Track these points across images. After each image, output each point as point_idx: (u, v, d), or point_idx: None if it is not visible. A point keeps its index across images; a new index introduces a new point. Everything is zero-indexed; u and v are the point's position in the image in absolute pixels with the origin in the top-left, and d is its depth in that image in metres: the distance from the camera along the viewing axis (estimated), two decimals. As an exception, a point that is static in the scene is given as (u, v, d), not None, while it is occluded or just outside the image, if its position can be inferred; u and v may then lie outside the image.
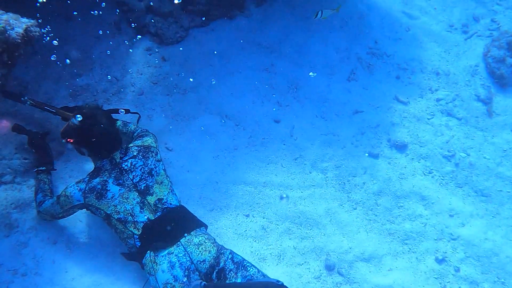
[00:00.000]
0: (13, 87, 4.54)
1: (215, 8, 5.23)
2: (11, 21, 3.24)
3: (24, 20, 3.35)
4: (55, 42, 4.22)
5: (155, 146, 3.85)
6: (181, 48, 5.16)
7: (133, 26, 5.15)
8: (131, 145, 3.78)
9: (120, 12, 5.25)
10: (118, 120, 4.10)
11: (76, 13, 5.20)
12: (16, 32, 3.20)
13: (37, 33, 3.39)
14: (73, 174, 4.22)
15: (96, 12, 4.89)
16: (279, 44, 5.43)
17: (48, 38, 5.00)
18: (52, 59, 4.70)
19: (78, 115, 3.47)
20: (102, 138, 3.55)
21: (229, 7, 5.32)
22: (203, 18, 5.25)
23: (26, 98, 3.95)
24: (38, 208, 3.73)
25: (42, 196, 3.76)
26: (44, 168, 3.94)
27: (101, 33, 5.13)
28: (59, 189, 3.94)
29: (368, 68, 5.55)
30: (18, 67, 4.72)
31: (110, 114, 3.69)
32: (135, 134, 4.02)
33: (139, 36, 5.16)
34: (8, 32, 3.16)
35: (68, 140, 3.62)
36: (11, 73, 3.46)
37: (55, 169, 4.03)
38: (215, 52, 5.20)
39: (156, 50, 5.14)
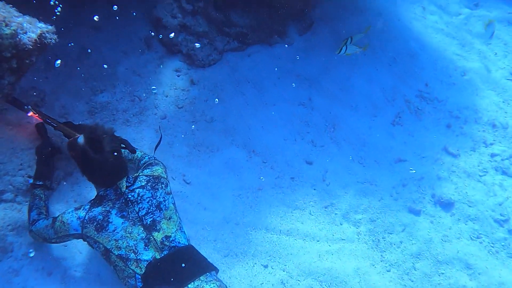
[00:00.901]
0: (30, 97, 4.38)
1: (254, 32, 4.99)
2: (24, 24, 3.03)
3: (41, 25, 3.14)
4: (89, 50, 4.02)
5: (165, 176, 3.55)
6: (212, 72, 4.94)
7: (164, 44, 4.96)
8: (139, 173, 3.49)
9: (152, 28, 5.08)
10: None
11: (105, 24, 5.08)
12: (29, 37, 2.99)
13: (53, 40, 3.18)
14: (79, 199, 3.96)
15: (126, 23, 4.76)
16: (319, 77, 5.13)
17: (71, 46, 4.90)
18: (69, 69, 4.61)
19: (80, 137, 3.20)
20: (105, 167, 3.26)
21: (270, 32, 5.07)
22: (240, 42, 5.03)
23: (29, 107, 3.74)
24: (31, 227, 3.46)
25: (36, 214, 3.51)
26: (41, 182, 3.70)
27: (129, 48, 4.96)
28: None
29: (416, 113, 5.18)
30: (38, 76, 4.60)
31: (118, 141, 3.40)
32: (142, 162, 3.73)
33: (169, 55, 4.98)
34: (19, 36, 2.95)
35: (72, 153, 3.36)
36: (19, 82, 3.25)
37: (53, 189, 3.81)
38: (249, 80, 4.94)
39: (186, 71, 4.92)
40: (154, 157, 3.77)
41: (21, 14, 3.28)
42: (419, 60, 5.58)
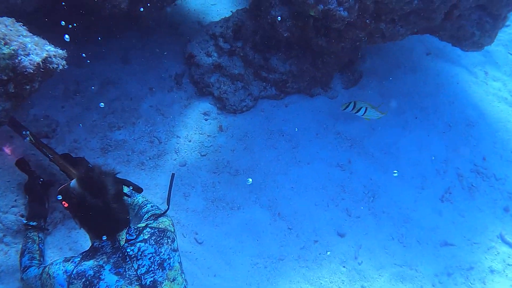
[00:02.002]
0: (40, 126, 4.15)
1: (295, 80, 4.65)
2: (29, 45, 2.77)
3: (49, 48, 2.87)
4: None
5: (172, 230, 3.10)
6: (244, 120, 4.61)
7: (195, 83, 4.69)
8: (142, 224, 3.07)
9: (184, 65, 4.84)
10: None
11: (135, 56, 4.87)
12: (31, 60, 2.71)
13: (60, 66, 2.91)
14: (75, 248, 3.61)
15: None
16: (362, 137, 4.72)
17: (94, 76, 4.70)
18: (88, 100, 4.39)
19: (73, 182, 2.85)
20: (105, 215, 2.88)
21: (312, 82, 4.73)
22: (278, 90, 4.71)
23: (27, 132, 3.44)
24: (22, 274, 3.08)
25: (28, 259, 3.14)
26: (35, 223, 3.36)
27: (157, 84, 4.72)
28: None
29: (470, 190, 4.67)
30: (53, 105, 4.38)
31: (121, 186, 3.02)
32: (143, 210, 3.33)
33: (199, 96, 4.70)
34: (19, 58, 2.68)
35: (63, 202, 2.98)
36: (17, 109, 2.97)
37: (48, 229, 3.47)
38: (284, 132, 4.59)
39: (215, 116, 4.61)
40: (157, 207, 3.38)
41: (30, 34, 3.05)
42: (477, 130, 5.10)
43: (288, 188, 4.27)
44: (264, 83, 4.66)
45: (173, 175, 3.29)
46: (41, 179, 3.55)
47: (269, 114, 4.72)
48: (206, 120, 4.57)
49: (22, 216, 3.51)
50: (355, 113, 4.20)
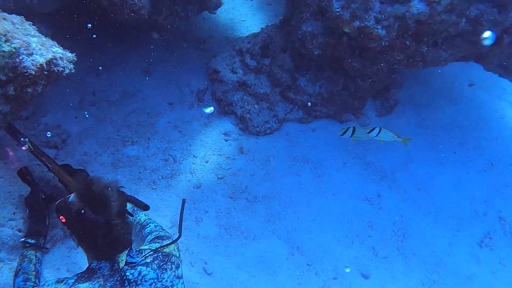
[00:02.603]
0: (50, 136, 3.95)
1: (324, 103, 4.36)
2: (33, 45, 2.56)
3: (56, 49, 2.66)
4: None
5: (177, 255, 2.78)
6: (267, 143, 4.33)
7: (218, 100, 4.46)
8: (145, 247, 2.76)
9: (208, 81, 4.61)
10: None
11: (156, 68, 4.67)
12: (33, 61, 2.50)
13: (67, 70, 2.69)
14: (74, 269, 3.36)
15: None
16: (395, 170, 4.38)
17: (112, 86, 4.51)
18: (103, 112, 4.19)
19: (72, 196, 2.58)
20: (103, 236, 2.58)
21: (343, 107, 4.43)
22: (305, 113, 4.43)
23: (26, 139, 3.20)
24: None
25: (22, 280, 2.88)
26: (33, 241, 3.11)
27: (177, 99, 4.50)
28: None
29: (512, 236, 4.27)
30: (67, 114, 4.19)
31: (125, 201, 2.73)
32: (146, 230, 3.03)
33: (221, 115, 4.45)
34: (20, 57, 2.47)
35: (61, 217, 2.70)
36: (17, 113, 2.76)
37: (47, 248, 3.24)
38: (309, 159, 4.29)
39: (236, 137, 4.34)
40: (161, 227, 3.09)
41: (39, 34, 2.86)
42: (522, 170, 4.71)
43: (310, 220, 3.94)
44: (291, 105, 4.39)
45: (184, 201, 2.99)
46: (44, 193, 3.32)
47: (294, 138, 4.43)
48: (226, 140, 4.31)
49: (19, 231, 3.28)
50: (341, 135, 3.82)
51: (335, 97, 4.29)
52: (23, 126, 4.03)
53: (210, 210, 3.86)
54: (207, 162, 4.14)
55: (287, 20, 4.03)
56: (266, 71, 4.34)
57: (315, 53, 3.69)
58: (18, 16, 2.85)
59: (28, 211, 3.25)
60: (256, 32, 4.54)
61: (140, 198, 3.06)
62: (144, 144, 4.13)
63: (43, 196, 3.29)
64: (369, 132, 3.70)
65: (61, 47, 2.85)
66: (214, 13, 4.78)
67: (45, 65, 2.59)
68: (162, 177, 3.97)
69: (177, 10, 3.79)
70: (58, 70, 2.70)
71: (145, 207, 2.99)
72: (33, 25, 2.89)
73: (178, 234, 2.81)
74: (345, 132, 3.74)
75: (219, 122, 4.44)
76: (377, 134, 3.70)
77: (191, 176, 4.02)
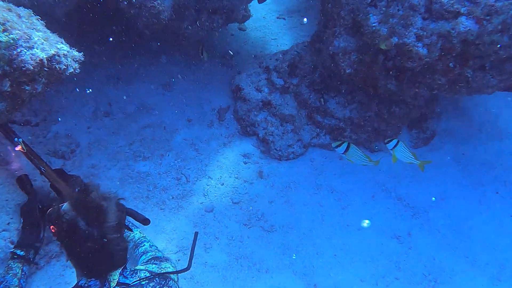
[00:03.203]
0: (59, 145, 3.74)
1: (354, 129, 4.05)
2: (35, 38, 2.34)
3: (61, 46, 2.45)
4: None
5: (175, 280, 2.44)
6: (289, 168, 4.03)
7: (239, 120, 4.19)
8: (141, 267, 2.42)
9: (231, 99, 4.36)
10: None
11: (177, 83, 4.45)
12: (32, 55, 2.27)
13: (71, 69, 2.46)
14: (66, 290, 3.09)
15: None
16: (429, 207, 4.01)
17: (129, 99, 4.30)
18: (117, 124, 3.98)
19: (66, 205, 2.29)
20: (96, 252, 2.26)
21: (374, 134, 4.10)
22: (333, 138, 4.11)
23: (20, 140, 2.94)
24: None
25: None
26: (22, 253, 2.83)
27: (196, 116, 4.25)
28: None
29: (560, 290, 3.81)
30: (79, 124, 3.99)
31: (124, 215, 2.40)
32: (140, 249, 2.68)
33: (242, 135, 4.17)
34: (18, 49, 2.24)
35: (51, 226, 2.39)
36: (13, 113, 2.53)
37: (36, 264, 2.98)
38: (334, 189, 3.96)
39: (256, 160, 4.06)
40: (156, 247, 2.76)
41: (46, 29, 2.65)
42: None
43: (330, 256, 3.58)
44: (318, 129, 4.09)
45: (196, 234, 2.68)
46: (42, 204, 3.06)
47: (319, 166, 4.11)
48: (245, 163, 4.03)
49: (12, 243, 3.03)
50: (335, 147, 3.42)
51: (366, 123, 3.96)
52: (31, 133, 3.85)
53: (221, 237, 3.55)
54: (222, 184, 3.85)
55: (318, 36, 3.76)
56: (293, 91, 4.07)
57: (347, 71, 3.39)
58: (26, 9, 2.66)
59: (22, 221, 3.00)
60: (285, 49, 4.28)
61: (147, 215, 2.77)
62: (157, 161, 3.88)
63: (40, 207, 3.04)
64: (336, 147, 3.33)
65: (68, 45, 2.64)
66: (243, 30, 4.59)
67: (45, 61, 2.37)
68: (173, 197, 3.70)
69: (202, 19, 3.57)
70: (60, 68, 2.47)
71: (145, 221, 2.65)
72: (41, 20, 2.70)
73: (187, 266, 2.48)
74: (339, 146, 3.36)
75: (239, 143, 4.17)
76: (345, 151, 3.34)
77: (203, 199, 3.73)
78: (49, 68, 2.41)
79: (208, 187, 3.82)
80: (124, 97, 4.25)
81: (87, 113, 4.11)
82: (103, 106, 4.17)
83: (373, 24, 3.04)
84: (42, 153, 3.71)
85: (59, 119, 3.99)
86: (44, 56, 2.35)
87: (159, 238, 3.43)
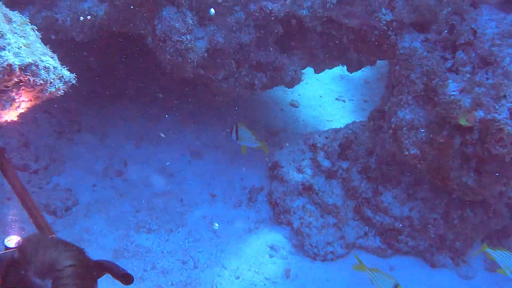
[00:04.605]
0: (53, 199, 3.19)
1: (413, 233, 3.24)
2: (10, 39, 1.89)
3: (47, 59, 1.98)
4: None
5: None
6: (324, 271, 3.25)
7: (273, 204, 3.52)
8: None
9: (267, 177, 3.72)
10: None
11: (208, 150, 3.89)
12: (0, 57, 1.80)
13: (52, 88, 1.95)
14: None
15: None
16: None
17: (151, 163, 3.76)
18: (129, 186, 3.41)
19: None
20: None
21: (438, 244, 3.26)
22: (384, 241, 3.30)
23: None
24: None
25: None
26: None
27: (222, 192, 3.63)
28: None
29: None
30: (85, 180, 3.45)
31: (94, 274, 1.67)
32: None
33: (272, 222, 3.47)
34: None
35: None
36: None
37: None
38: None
39: (285, 255, 3.35)
40: None
41: (41, 43, 2.18)
42: None
43: None
44: (367, 227, 3.33)
45: None
46: None
47: (364, 276, 3.28)
48: (271, 256, 3.31)
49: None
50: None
51: (429, 227, 3.13)
52: (27, 180, 3.33)
53: None
54: (237, 278, 3.13)
55: (379, 111, 3.10)
56: (341, 176, 3.38)
57: (411, 152, 2.65)
58: (21, 16, 2.22)
59: None
60: (338, 127, 3.64)
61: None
62: (163, 236, 3.25)
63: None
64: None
65: (59, 62, 2.13)
66: (295, 106, 4.08)
67: (17, 69, 1.86)
68: (172, 284, 3.00)
69: (241, 72, 3.02)
70: (36, 83, 1.95)
71: (125, 278, 1.86)
72: (37, 31, 2.25)
73: None
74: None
75: (268, 231, 3.47)
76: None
77: (213, 294, 2.99)
78: (23, 81, 1.90)
79: (219, 278, 3.09)
80: (144, 158, 3.71)
81: (98, 169, 3.62)
82: (117, 163, 3.66)
83: (452, 93, 2.36)
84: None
85: (65, 170, 3.49)
86: (16, 63, 1.85)
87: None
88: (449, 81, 2.42)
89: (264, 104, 4.30)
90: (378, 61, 4.62)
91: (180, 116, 4.08)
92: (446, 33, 2.52)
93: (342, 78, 4.95)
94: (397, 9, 2.58)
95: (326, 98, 4.69)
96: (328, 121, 4.48)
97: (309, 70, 4.29)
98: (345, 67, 3.99)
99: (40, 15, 2.84)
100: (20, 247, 1.53)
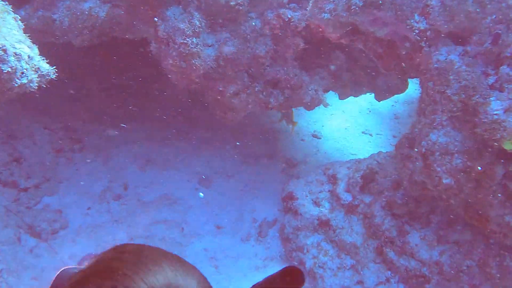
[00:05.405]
0: (39, 220, 2.90)
1: (442, 282, 2.75)
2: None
3: (22, 47, 1.78)
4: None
5: None
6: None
7: (285, 240, 3.17)
8: None
9: (280, 210, 3.37)
10: None
11: (220, 180, 3.57)
12: None
13: (23, 80, 1.72)
14: None
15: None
16: None
17: (151, 190, 3.45)
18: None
19: None
20: None
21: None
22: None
23: None
24: None
25: None
26: None
27: (230, 223, 3.31)
28: None
29: None
30: (79, 202, 3.17)
31: None
32: None
33: (283, 260, 3.09)
34: None
35: None
36: None
37: None
38: None
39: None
40: None
41: (22, 34, 1.94)
42: None
43: None
44: (389, 271, 2.90)
45: None
46: None
47: None
48: None
49: None
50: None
51: (462, 276, 2.69)
52: (14, 198, 3.05)
53: None
54: (237, 324, 2.73)
55: (408, 139, 2.72)
56: (362, 211, 2.99)
57: (444, 181, 2.24)
58: (4, 4, 2.00)
59: None
60: (362, 158, 3.28)
61: None
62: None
63: None
64: None
65: (38, 53, 1.88)
66: (318, 138, 3.79)
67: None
68: None
69: (255, 88, 2.71)
70: (2, 71, 1.68)
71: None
72: (20, 21, 2.02)
73: None
74: None
75: (277, 269, 3.06)
76: None
77: None
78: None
79: (216, 320, 2.71)
80: (147, 182, 3.40)
81: (95, 191, 3.32)
82: (116, 187, 3.36)
83: (495, 112, 2.00)
84: (13, 224, 2.87)
85: (58, 190, 3.21)
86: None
87: None
88: (492, 98, 2.06)
89: (283, 132, 3.98)
90: (409, 97, 4.31)
91: (192, 139, 3.80)
92: (488, 44, 2.18)
93: (370, 111, 4.60)
94: (432, 16, 2.24)
95: (351, 130, 4.32)
96: (352, 154, 4.10)
97: (334, 101, 3.98)
98: (373, 95, 3.66)
99: (36, 15, 2.63)
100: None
